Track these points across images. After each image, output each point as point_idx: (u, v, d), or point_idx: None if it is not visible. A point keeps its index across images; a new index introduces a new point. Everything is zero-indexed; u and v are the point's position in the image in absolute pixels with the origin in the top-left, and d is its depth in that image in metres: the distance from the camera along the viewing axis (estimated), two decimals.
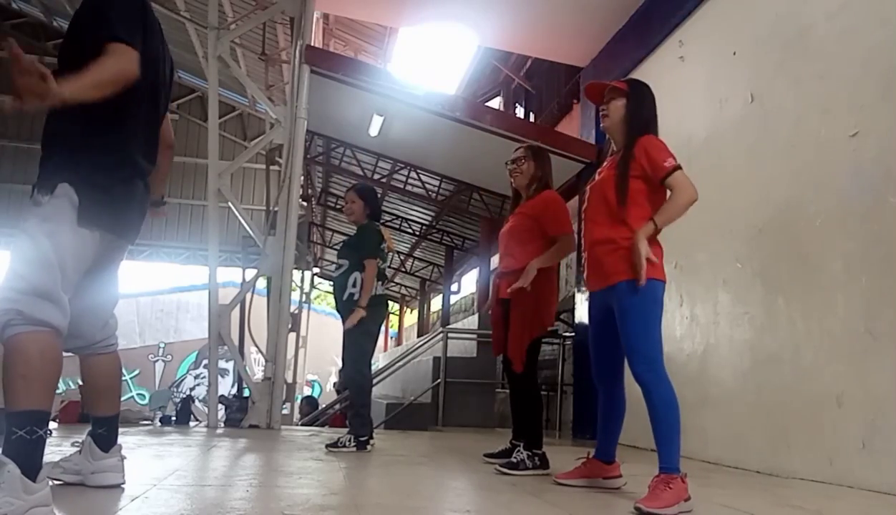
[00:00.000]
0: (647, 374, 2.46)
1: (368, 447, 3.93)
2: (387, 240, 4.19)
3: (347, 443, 3.87)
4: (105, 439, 2.21)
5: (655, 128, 2.69)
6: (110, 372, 2.26)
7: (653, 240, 2.57)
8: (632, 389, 2.58)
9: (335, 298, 4.16)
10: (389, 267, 17.13)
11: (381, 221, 4.43)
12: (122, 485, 2.21)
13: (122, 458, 2.25)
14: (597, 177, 2.80)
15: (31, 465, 1.67)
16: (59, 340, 1.80)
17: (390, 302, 21.27)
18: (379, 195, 10.45)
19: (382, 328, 4.90)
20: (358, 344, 4.05)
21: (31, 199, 1.88)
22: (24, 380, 1.70)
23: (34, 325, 1.73)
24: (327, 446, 3.90)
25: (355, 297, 3.99)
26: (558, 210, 3.42)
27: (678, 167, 2.53)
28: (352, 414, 4.08)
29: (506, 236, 3.54)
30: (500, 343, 3.55)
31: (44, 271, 1.77)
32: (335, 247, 14.77)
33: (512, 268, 3.42)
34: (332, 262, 4.62)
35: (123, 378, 17.65)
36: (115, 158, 1.99)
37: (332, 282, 5.26)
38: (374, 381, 7.56)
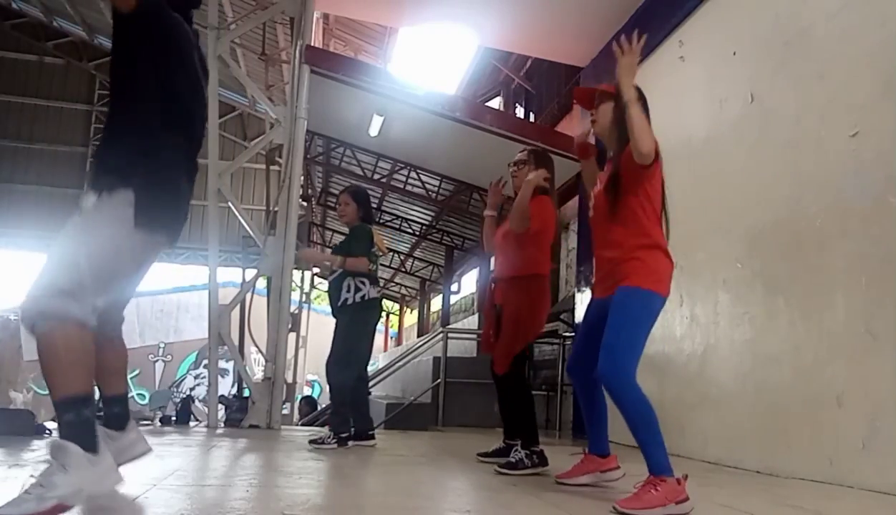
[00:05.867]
0: (610, 375, 2.39)
1: (350, 443, 4.03)
2: (378, 242, 4.24)
3: (327, 440, 3.98)
4: (120, 418, 2.30)
5: None
6: (120, 353, 2.37)
7: (661, 253, 2.54)
8: None
9: (330, 302, 4.20)
10: (389, 267, 17.23)
11: (382, 222, 4.46)
12: (150, 451, 2.33)
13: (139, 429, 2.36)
14: (598, 183, 2.76)
15: (89, 442, 1.79)
16: (85, 331, 1.87)
17: (391, 302, 21.45)
18: (378, 196, 10.55)
19: (382, 328, 4.90)
20: (345, 342, 4.10)
21: (82, 200, 1.98)
22: (57, 372, 1.81)
23: (57, 320, 1.82)
24: (310, 441, 4.02)
25: (349, 303, 4.03)
26: (540, 212, 3.30)
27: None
28: (331, 412, 4.15)
29: (502, 240, 3.50)
30: (489, 341, 3.58)
31: (69, 270, 1.86)
32: (335, 247, 14.72)
33: (507, 275, 3.43)
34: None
35: None
36: (169, 162, 2.08)
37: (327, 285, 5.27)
38: (374, 381, 7.58)
